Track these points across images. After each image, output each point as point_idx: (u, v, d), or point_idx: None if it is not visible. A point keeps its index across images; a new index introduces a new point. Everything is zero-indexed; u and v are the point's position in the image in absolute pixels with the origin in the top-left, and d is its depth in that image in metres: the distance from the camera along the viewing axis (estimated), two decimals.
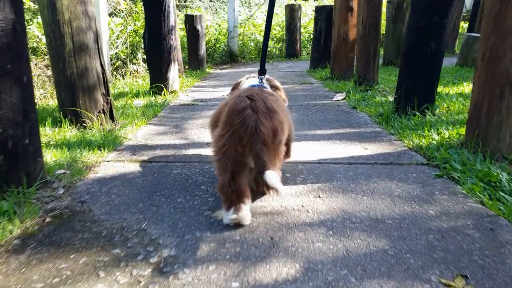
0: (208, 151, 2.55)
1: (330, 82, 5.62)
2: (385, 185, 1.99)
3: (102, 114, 2.97)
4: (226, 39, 9.27)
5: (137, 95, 4.49)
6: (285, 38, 10.07)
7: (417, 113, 3.27)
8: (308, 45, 10.99)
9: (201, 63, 7.39)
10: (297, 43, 9.65)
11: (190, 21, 7.09)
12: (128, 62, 6.42)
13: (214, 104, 4.18)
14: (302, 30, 10.16)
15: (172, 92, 4.60)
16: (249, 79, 2.20)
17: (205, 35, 8.74)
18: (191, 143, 2.76)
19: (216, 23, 9.30)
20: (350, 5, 5.63)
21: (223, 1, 12.63)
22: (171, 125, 3.28)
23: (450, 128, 2.89)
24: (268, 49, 10.38)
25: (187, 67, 7.58)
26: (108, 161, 2.37)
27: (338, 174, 2.14)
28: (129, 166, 2.27)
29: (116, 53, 6.26)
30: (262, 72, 2.11)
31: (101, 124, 2.92)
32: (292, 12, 9.37)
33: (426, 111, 3.29)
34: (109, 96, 3.01)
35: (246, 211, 1.60)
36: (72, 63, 2.84)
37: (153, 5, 4.34)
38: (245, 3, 16.95)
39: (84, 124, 2.89)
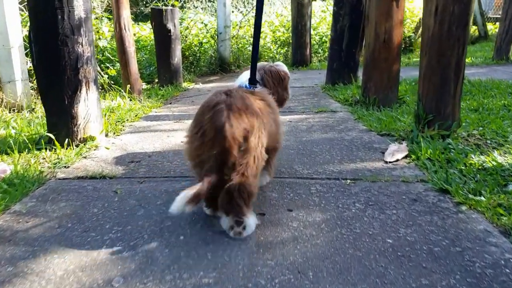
0: None
1: (365, 111, 3.51)
2: None
3: None
4: (216, 43, 7.18)
5: (12, 149, 2.38)
6: (291, 41, 7.98)
7: None
8: (320, 49, 8.89)
9: (175, 75, 5.31)
10: (307, 48, 7.55)
11: (158, 17, 5.01)
12: None
13: (157, 174, 2.08)
14: (312, 31, 8.05)
15: (84, 140, 2.50)
16: (243, 74, 1.89)
17: (185, 37, 6.64)
18: None
19: (201, 22, 7.19)
20: None
21: None
22: None
23: None
24: (271, 55, 8.28)
25: (156, 80, 5.51)
26: None
27: None
28: None
29: None
30: (252, 81, 1.78)
31: None
32: (301, 8, 7.28)
33: None
34: None
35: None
36: None
37: None
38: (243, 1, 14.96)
39: None
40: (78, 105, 2.42)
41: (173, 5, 5.75)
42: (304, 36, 7.41)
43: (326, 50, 9.14)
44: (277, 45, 8.65)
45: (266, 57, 8.17)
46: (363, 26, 5.03)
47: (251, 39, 8.87)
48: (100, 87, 4.80)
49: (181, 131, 3.01)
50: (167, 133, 2.95)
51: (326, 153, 2.43)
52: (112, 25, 4.18)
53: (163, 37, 5.09)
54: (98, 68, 4.78)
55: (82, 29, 2.34)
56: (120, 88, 4.28)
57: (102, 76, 4.75)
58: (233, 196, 1.37)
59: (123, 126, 3.11)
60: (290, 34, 8.34)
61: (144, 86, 5.47)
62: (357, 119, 3.36)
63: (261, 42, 8.32)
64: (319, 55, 8.83)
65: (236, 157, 1.34)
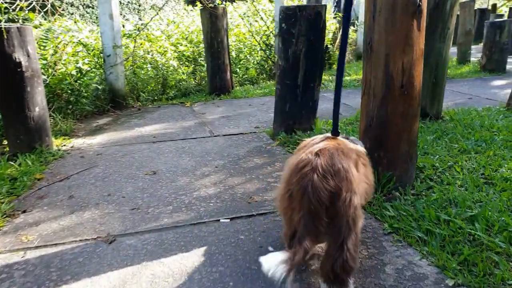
0: None
1: (390, 208, 2.06)
2: None
3: None
4: (103, 69, 5.09)
5: None
6: (205, 62, 6.31)
7: None
8: (237, 69, 7.33)
9: (37, 134, 3.20)
10: (227, 71, 5.94)
11: None
12: None
13: None
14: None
15: None
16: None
17: (54, 65, 4.44)
18: None
19: (78, 41, 5.00)
20: (416, 0, 2.16)
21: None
22: None
23: None
24: (178, 76, 6.44)
25: (6, 142, 3.32)
26: None
27: None
28: None
29: None
30: (335, 133, 1.71)
31: None
32: (215, 20, 5.64)
33: None
34: None
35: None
36: None
37: None
38: (133, 9, 12.71)
39: None
40: None
41: (24, 20, 3.56)
42: (222, 56, 5.78)
43: (242, 67, 7.67)
44: (181, 63, 6.82)
45: (173, 81, 6.31)
46: (322, 50, 3.63)
47: (149, 56, 6.90)
48: None
49: None
50: None
51: None
52: None
53: (8, 76, 2.97)
54: None
55: None
56: None
57: None
58: (338, 274, 1.35)
59: None
60: (196, 49, 6.66)
61: None
62: (392, 233, 1.88)
63: (163, 59, 6.43)
64: (236, 75, 7.26)
65: (325, 222, 1.31)
